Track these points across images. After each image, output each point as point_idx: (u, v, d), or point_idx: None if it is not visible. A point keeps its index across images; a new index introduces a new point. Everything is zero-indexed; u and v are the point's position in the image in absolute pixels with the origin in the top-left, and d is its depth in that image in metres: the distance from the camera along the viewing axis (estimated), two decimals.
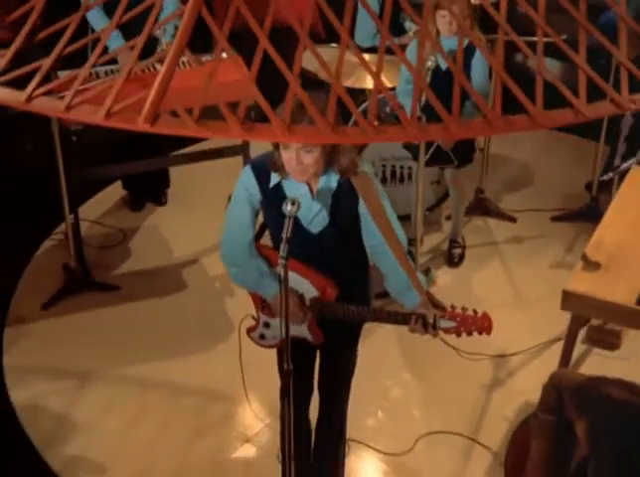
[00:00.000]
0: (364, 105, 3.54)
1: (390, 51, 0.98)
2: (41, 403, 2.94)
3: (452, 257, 3.66)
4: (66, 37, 0.91)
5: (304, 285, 2.14)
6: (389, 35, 0.88)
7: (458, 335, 2.08)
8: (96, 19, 3.05)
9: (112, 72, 3.06)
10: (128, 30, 1.10)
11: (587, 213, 3.75)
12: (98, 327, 3.29)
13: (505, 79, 0.87)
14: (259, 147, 2.22)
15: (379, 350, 3.11)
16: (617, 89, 0.90)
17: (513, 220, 3.91)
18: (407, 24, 3.62)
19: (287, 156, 1.95)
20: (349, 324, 2.22)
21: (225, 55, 0.88)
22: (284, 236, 1.85)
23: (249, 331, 2.32)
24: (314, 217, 2.10)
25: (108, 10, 3.09)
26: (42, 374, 3.05)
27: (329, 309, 2.15)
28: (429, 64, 2.75)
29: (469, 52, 3.02)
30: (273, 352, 2.32)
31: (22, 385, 3.01)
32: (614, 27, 0.94)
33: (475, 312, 2.07)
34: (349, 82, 3.48)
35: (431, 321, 2.05)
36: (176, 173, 4.02)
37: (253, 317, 2.29)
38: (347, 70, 3.58)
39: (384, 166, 3.65)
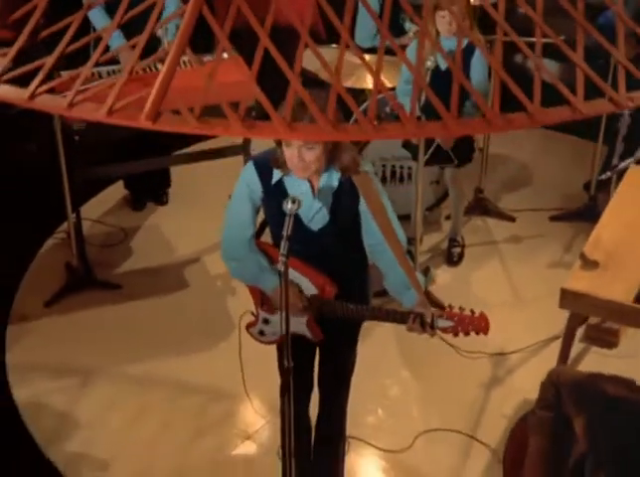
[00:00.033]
0: (364, 105, 3.56)
1: (390, 51, 0.99)
2: (43, 401, 2.95)
3: (452, 256, 3.68)
4: (68, 35, 0.92)
5: (303, 283, 2.16)
6: (389, 35, 0.88)
7: (455, 335, 2.09)
8: (98, 18, 3.06)
9: (115, 72, 3.08)
10: (130, 29, 1.10)
11: (585, 212, 3.77)
12: (100, 325, 3.31)
13: (503, 77, 0.88)
14: (260, 147, 2.24)
15: (378, 348, 3.13)
16: (615, 89, 0.91)
17: (512, 219, 3.93)
18: (407, 24, 3.64)
19: (289, 153, 1.96)
20: (348, 322, 2.23)
21: (226, 55, 0.90)
22: (285, 233, 1.86)
23: (249, 327, 2.34)
24: (315, 214, 2.11)
25: (110, 10, 3.11)
26: (44, 371, 3.07)
27: (328, 307, 2.16)
28: (429, 64, 2.78)
29: (469, 52, 3.04)
30: (274, 349, 2.33)
31: (24, 382, 3.02)
32: (612, 27, 0.95)
33: (472, 312, 2.08)
34: (349, 83, 3.50)
35: (429, 320, 2.06)
36: (177, 173, 4.04)
37: (253, 313, 2.31)
38: (347, 70, 3.61)
39: (384, 166, 3.67)
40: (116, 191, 4.07)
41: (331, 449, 2.55)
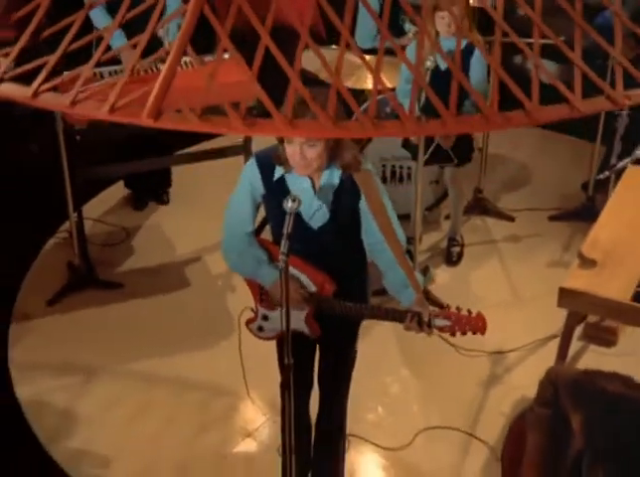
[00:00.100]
0: (365, 106, 3.59)
1: (390, 52, 1.01)
2: (46, 399, 2.97)
3: (451, 256, 3.70)
4: (70, 34, 0.93)
5: (304, 280, 2.17)
6: (389, 35, 0.89)
7: (452, 334, 2.10)
8: (99, 17, 3.06)
9: (116, 72, 3.10)
10: (131, 29, 1.10)
11: (584, 212, 3.80)
12: (102, 323, 3.33)
13: (502, 75, 0.89)
14: (261, 147, 2.26)
15: (378, 347, 3.15)
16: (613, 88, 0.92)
17: (511, 219, 3.95)
18: (407, 26, 3.66)
19: (291, 150, 1.98)
20: (347, 320, 2.24)
21: (227, 55, 0.90)
22: (285, 232, 1.87)
23: (248, 323, 2.35)
24: (315, 212, 2.12)
25: (111, 9, 3.12)
26: (47, 370, 3.09)
27: (326, 304, 2.17)
28: (428, 64, 2.79)
29: (468, 52, 3.06)
30: (274, 347, 2.34)
31: (27, 380, 3.04)
32: (610, 28, 0.97)
33: (470, 312, 2.08)
34: (349, 83, 3.52)
35: (426, 319, 2.07)
36: (178, 172, 4.06)
37: (252, 309, 2.32)
38: (347, 70, 3.63)
39: (384, 166, 3.69)
40: (118, 190, 4.10)
41: (331, 447, 2.56)
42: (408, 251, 2.44)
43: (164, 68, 0.86)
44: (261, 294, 2.27)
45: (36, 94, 0.89)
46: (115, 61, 3.11)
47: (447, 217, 3.85)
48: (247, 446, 2.84)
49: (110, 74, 3.13)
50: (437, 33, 3.11)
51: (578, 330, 2.75)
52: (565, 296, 2.48)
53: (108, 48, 0.94)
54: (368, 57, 3.00)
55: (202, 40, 1.18)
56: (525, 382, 2.92)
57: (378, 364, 3.11)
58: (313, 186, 2.11)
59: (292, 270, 2.04)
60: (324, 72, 3.48)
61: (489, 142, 3.96)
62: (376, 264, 2.23)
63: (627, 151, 2.99)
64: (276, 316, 2.24)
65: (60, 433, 2.85)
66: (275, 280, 2.14)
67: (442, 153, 3.31)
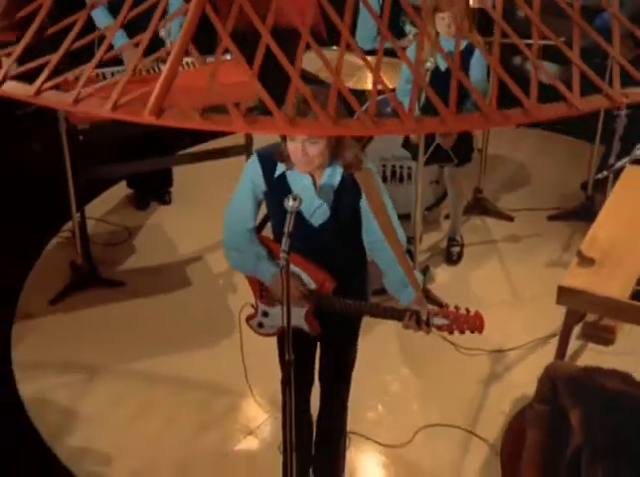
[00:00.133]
0: (365, 106, 3.61)
1: (389, 53, 1.02)
2: (48, 397, 2.99)
3: (451, 255, 3.72)
4: (73, 33, 0.93)
5: (304, 278, 2.18)
6: (389, 34, 0.90)
7: (451, 333, 2.11)
8: (100, 17, 3.06)
9: (118, 73, 3.12)
10: (133, 28, 1.11)
11: (582, 212, 3.82)
12: (105, 322, 3.35)
13: (500, 73, 0.90)
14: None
15: (378, 345, 3.16)
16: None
17: (510, 219, 3.97)
18: (408, 27, 3.68)
19: (293, 147, 1.99)
20: (346, 317, 2.25)
21: (228, 56, 0.91)
22: (286, 230, 1.88)
23: (248, 319, 2.36)
24: (316, 210, 2.13)
25: (113, 9, 3.13)
26: (49, 368, 3.11)
27: (326, 301, 2.19)
28: (428, 65, 2.81)
29: (468, 53, 3.08)
30: (275, 344, 2.36)
31: (30, 379, 3.06)
32: (608, 29, 0.97)
33: (468, 311, 2.09)
34: (350, 84, 3.54)
35: (425, 318, 2.09)
36: (180, 172, 4.08)
37: (252, 306, 2.33)
38: (348, 71, 3.65)
39: (384, 166, 3.71)
40: (120, 190, 4.12)
41: (332, 444, 2.57)
42: (409, 251, 2.46)
43: (166, 66, 0.87)
44: (261, 291, 2.29)
45: (39, 92, 0.90)
46: (117, 61, 3.14)
47: (447, 216, 3.87)
48: (249, 444, 2.85)
49: (113, 74, 3.15)
50: (437, 34, 3.13)
51: (577, 329, 2.77)
52: (564, 294, 2.50)
53: (110, 47, 0.94)
54: (368, 58, 3.03)
55: (204, 39, 1.19)
56: (524, 380, 2.94)
57: (378, 362, 3.12)
58: (314, 184, 2.12)
59: (293, 268, 2.05)
60: (324, 72, 3.50)
61: (489, 142, 3.98)
62: (376, 264, 2.25)
63: (626, 151, 3.01)
64: (276, 312, 2.25)
65: (62, 431, 2.86)
66: (275, 277, 2.16)
67: (442, 153, 3.33)
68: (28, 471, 2.76)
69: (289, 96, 0.87)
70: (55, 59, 0.91)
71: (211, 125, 0.86)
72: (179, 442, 2.83)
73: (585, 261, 2.58)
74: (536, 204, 4.06)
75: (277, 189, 2.11)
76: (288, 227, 1.89)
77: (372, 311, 2.23)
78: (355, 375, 2.42)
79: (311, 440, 2.57)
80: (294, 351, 2.01)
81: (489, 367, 3.15)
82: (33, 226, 3.81)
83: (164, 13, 0.95)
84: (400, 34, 3.66)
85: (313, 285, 2.20)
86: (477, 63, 3.09)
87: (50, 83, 0.90)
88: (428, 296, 3.35)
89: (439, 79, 2.60)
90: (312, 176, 2.11)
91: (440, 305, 3.12)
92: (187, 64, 3.34)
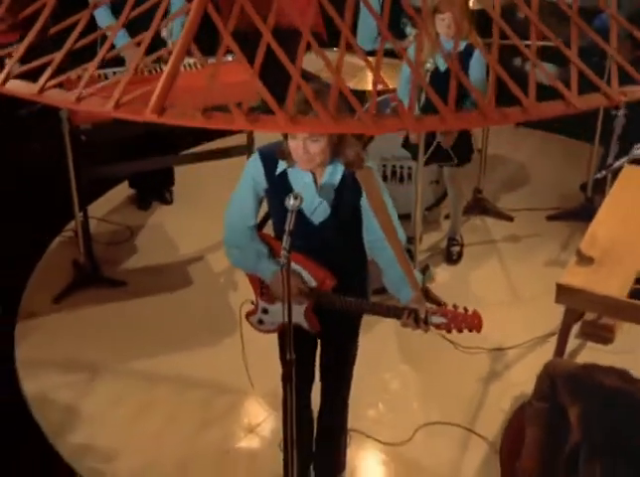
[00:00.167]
0: (366, 106, 3.63)
1: (390, 53, 1.03)
2: (51, 395, 3.01)
3: (451, 255, 3.74)
4: (76, 32, 0.94)
5: (304, 275, 2.20)
6: (389, 34, 0.91)
7: (449, 331, 2.12)
8: (102, 17, 3.07)
9: (121, 73, 3.14)
10: (134, 28, 1.11)
11: (582, 212, 3.83)
12: (107, 321, 3.37)
13: (499, 71, 0.92)
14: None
15: (379, 344, 3.18)
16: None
17: (510, 219, 3.99)
18: (408, 29, 3.70)
19: (294, 145, 2.01)
20: (347, 315, 2.26)
21: (230, 58, 0.92)
22: (287, 229, 1.90)
23: (248, 316, 2.38)
24: (316, 207, 2.14)
25: (115, 9, 3.15)
26: (52, 366, 3.13)
27: (326, 299, 2.20)
28: (428, 65, 2.83)
29: (467, 54, 3.10)
30: (275, 342, 2.38)
31: (33, 377, 3.08)
32: (607, 30, 0.98)
33: (466, 310, 2.10)
34: (350, 84, 3.56)
35: (423, 316, 2.09)
36: (181, 173, 4.10)
37: (252, 302, 2.35)
38: (349, 72, 3.68)
39: (384, 166, 3.73)
40: (122, 190, 4.14)
41: (332, 442, 2.59)
42: (408, 250, 2.47)
43: (168, 64, 0.88)
44: (262, 288, 2.30)
45: (42, 91, 0.91)
46: (119, 62, 3.16)
47: (447, 216, 3.89)
48: (250, 442, 2.87)
49: (115, 74, 3.17)
50: (437, 35, 3.15)
51: (576, 328, 2.78)
52: (563, 293, 2.51)
53: (112, 47, 0.95)
54: (369, 58, 3.05)
55: (206, 38, 1.19)
56: (523, 378, 2.95)
57: (378, 360, 3.14)
58: (315, 181, 2.13)
59: (293, 266, 2.05)
60: (325, 72, 3.52)
61: (489, 143, 4.00)
62: (376, 263, 2.25)
63: (624, 151, 3.03)
64: (276, 310, 2.27)
65: (64, 428, 2.88)
66: (275, 275, 2.17)
67: (442, 153, 3.35)
68: (30, 468, 2.78)
69: (290, 94, 0.88)
70: (58, 57, 0.93)
71: (213, 123, 0.87)
72: (180, 440, 2.85)
73: (584, 260, 2.59)
74: (535, 204, 4.08)
75: (278, 186, 2.13)
76: (289, 225, 1.90)
77: (371, 309, 2.25)
78: (355, 373, 2.44)
79: (312, 437, 2.58)
80: (295, 348, 2.02)
81: (488, 365, 3.17)
82: (36, 225, 3.83)
83: (166, 13, 0.96)
84: (400, 35, 3.68)
85: (313, 283, 2.21)
86: (477, 63, 3.11)
87: (53, 82, 0.92)
88: (428, 296, 3.37)
89: (439, 80, 2.61)
90: (313, 174, 2.13)
91: (440, 304, 3.13)
92: (189, 65, 3.36)
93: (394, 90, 3.37)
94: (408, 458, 2.80)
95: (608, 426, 2.10)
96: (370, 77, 3.64)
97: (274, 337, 2.39)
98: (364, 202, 2.14)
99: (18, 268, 3.62)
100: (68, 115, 3.16)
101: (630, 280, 2.52)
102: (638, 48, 3.28)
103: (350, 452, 2.69)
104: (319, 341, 2.41)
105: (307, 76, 3.40)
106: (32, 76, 0.94)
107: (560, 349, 2.72)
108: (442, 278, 3.64)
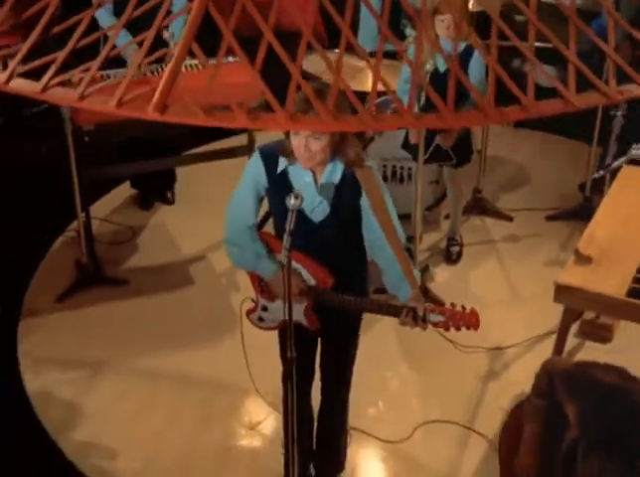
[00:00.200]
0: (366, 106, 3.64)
1: (389, 55, 1.03)
2: (53, 392, 3.03)
3: (450, 255, 3.76)
4: (79, 31, 0.95)
5: (303, 274, 2.21)
6: (389, 32, 0.92)
7: (447, 329, 2.13)
8: (104, 18, 3.09)
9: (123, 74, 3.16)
10: (136, 27, 1.11)
11: (580, 212, 3.85)
12: (109, 320, 3.39)
13: (498, 70, 0.91)
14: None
15: (379, 342, 3.20)
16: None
17: (509, 219, 4.01)
18: (408, 30, 3.73)
19: (297, 142, 2.02)
20: (346, 313, 2.28)
21: (231, 59, 0.92)
22: (287, 228, 1.91)
23: (249, 313, 2.40)
24: (316, 206, 2.16)
25: (117, 10, 3.16)
26: (54, 364, 3.15)
27: (325, 296, 2.22)
28: (428, 66, 2.85)
29: (467, 55, 3.13)
30: (276, 340, 2.39)
31: (36, 374, 3.10)
32: (604, 33, 0.99)
33: (464, 308, 2.11)
34: (350, 86, 3.58)
35: (421, 314, 2.11)
36: (183, 173, 4.12)
37: (253, 300, 2.37)
38: (348, 73, 3.71)
39: (384, 166, 3.75)
40: (124, 190, 4.16)
41: (333, 440, 2.60)
42: (408, 250, 2.48)
43: (170, 62, 0.88)
44: (261, 286, 2.32)
45: (45, 89, 0.91)
46: (121, 64, 3.19)
47: (447, 216, 3.91)
48: (251, 440, 2.88)
49: (116, 76, 3.19)
50: (437, 36, 3.17)
51: (575, 327, 2.80)
52: (562, 292, 2.52)
53: (114, 47, 0.95)
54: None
55: (209, 37, 1.18)
56: (522, 377, 2.96)
57: (378, 359, 3.16)
58: (315, 180, 2.15)
59: (293, 264, 2.06)
60: (326, 74, 3.55)
61: (489, 144, 4.03)
62: (376, 263, 2.27)
63: (623, 151, 3.05)
64: (276, 307, 2.29)
65: (67, 425, 2.90)
66: (276, 274, 2.19)
67: (442, 153, 3.37)
68: (33, 464, 2.80)
69: (290, 92, 0.88)
70: (61, 56, 0.93)
71: (214, 121, 0.87)
72: (182, 437, 2.87)
73: (582, 259, 2.61)
74: (534, 204, 4.10)
75: (279, 185, 2.14)
76: (290, 224, 1.92)
77: (370, 307, 2.26)
78: (355, 371, 2.45)
79: (312, 433, 2.59)
80: (295, 346, 2.04)
81: (488, 364, 3.19)
82: (39, 225, 3.86)
83: (167, 13, 0.95)
84: (400, 37, 3.70)
85: (313, 281, 2.23)
86: (476, 64, 3.13)
87: (56, 80, 0.92)
88: (428, 295, 3.40)
89: (439, 81, 2.64)
90: (313, 173, 2.14)
91: (440, 304, 3.15)
92: (190, 66, 3.39)
93: (394, 92, 3.39)
94: (408, 456, 2.81)
95: (606, 423, 2.11)
96: (370, 78, 3.67)
97: (275, 336, 2.41)
98: (363, 201, 2.16)
99: (21, 267, 3.64)
100: (70, 116, 3.18)
101: (628, 279, 2.54)
102: (638, 49, 3.31)
103: (350, 450, 2.70)
104: (319, 339, 2.42)
105: (308, 77, 3.42)
106: (35, 75, 0.94)
107: (558, 348, 2.74)
108: (442, 278, 3.66)
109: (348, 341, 2.41)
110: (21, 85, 0.93)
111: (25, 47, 0.95)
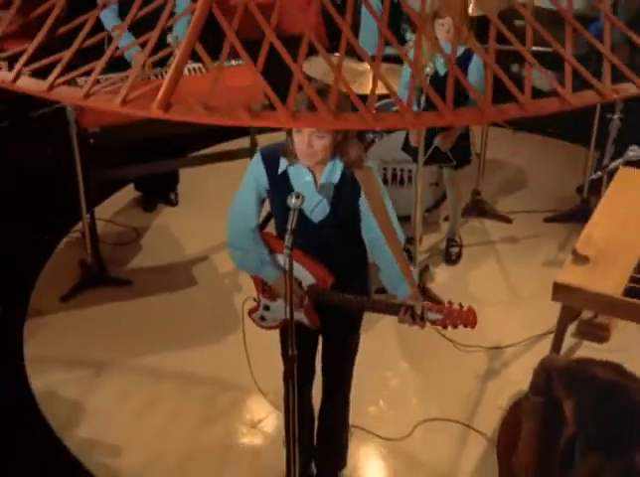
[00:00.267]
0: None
1: (389, 59, 1.04)
2: (58, 391, 3.05)
3: (450, 256, 3.79)
4: (85, 31, 0.97)
5: (303, 273, 2.23)
6: (389, 33, 0.94)
7: (444, 327, 2.14)
8: (108, 19, 3.10)
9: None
10: (140, 28, 1.10)
11: (578, 214, 3.87)
12: (113, 320, 3.42)
13: (496, 70, 0.94)
14: None
15: (379, 342, 3.22)
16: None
17: (508, 221, 4.04)
18: (408, 35, 3.77)
19: (299, 139, 2.04)
20: (346, 312, 2.29)
21: (234, 62, 0.93)
22: (289, 227, 1.93)
23: (251, 312, 2.42)
24: (316, 206, 2.18)
25: (122, 10, 3.17)
26: (59, 363, 3.18)
27: (325, 296, 2.24)
28: (428, 70, 2.88)
29: (466, 58, 3.16)
30: (277, 339, 2.42)
31: (41, 373, 3.13)
32: (602, 37, 1.01)
33: (461, 306, 2.13)
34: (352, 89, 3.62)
35: (419, 312, 2.12)
36: (186, 175, 4.15)
37: (255, 299, 2.39)
38: (349, 77, 3.74)
39: (385, 169, 3.78)
40: (128, 192, 4.19)
41: (334, 438, 2.63)
42: (408, 251, 2.51)
43: (174, 61, 0.89)
44: (263, 285, 2.34)
45: (51, 88, 0.92)
46: (126, 67, 3.23)
47: (446, 218, 3.94)
48: (252, 438, 2.91)
49: (121, 80, 3.23)
50: (437, 40, 3.21)
51: (572, 327, 2.83)
52: (559, 291, 2.55)
53: (118, 48, 0.96)
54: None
55: (212, 37, 1.20)
56: (521, 376, 2.98)
57: (378, 358, 3.18)
58: (315, 180, 2.17)
59: (294, 263, 2.08)
60: (328, 77, 3.59)
61: (488, 147, 4.06)
62: (375, 262, 2.28)
63: (619, 154, 3.09)
64: (277, 306, 2.31)
65: (71, 424, 2.93)
66: (277, 278, 2.22)
67: (441, 154, 3.41)
68: (38, 461, 2.83)
69: (292, 91, 0.90)
70: (67, 55, 0.95)
71: (217, 119, 0.88)
72: (184, 436, 2.89)
73: (580, 259, 2.64)
74: (533, 206, 4.13)
75: (280, 186, 2.16)
76: (291, 224, 1.94)
77: (369, 306, 2.28)
78: (356, 370, 2.48)
79: (313, 431, 2.61)
80: (296, 345, 2.06)
81: (487, 363, 3.21)
82: (44, 226, 3.88)
83: (171, 14, 0.98)
84: (401, 41, 3.75)
85: (312, 280, 2.25)
86: (475, 67, 3.17)
87: (62, 79, 0.94)
88: (428, 295, 3.43)
89: (438, 84, 2.68)
90: (313, 173, 2.16)
91: (439, 303, 3.17)
92: (194, 69, 3.43)
93: (394, 92, 3.42)
94: (408, 453, 2.84)
95: (603, 419, 2.12)
96: (370, 81, 3.69)
97: (276, 335, 2.43)
98: (362, 201, 2.17)
99: (27, 268, 3.66)
100: (76, 118, 3.21)
101: (625, 279, 2.56)
102: (636, 53, 3.35)
103: (351, 448, 2.73)
104: (320, 338, 2.45)
105: (310, 79, 3.45)
106: (41, 74, 0.96)
107: (556, 347, 2.76)
108: (441, 278, 3.69)
109: (348, 339, 2.43)
110: (28, 84, 0.94)
111: (31, 47, 0.97)
